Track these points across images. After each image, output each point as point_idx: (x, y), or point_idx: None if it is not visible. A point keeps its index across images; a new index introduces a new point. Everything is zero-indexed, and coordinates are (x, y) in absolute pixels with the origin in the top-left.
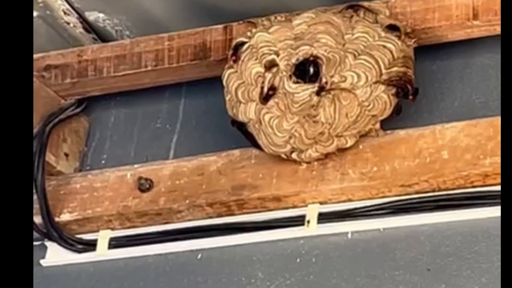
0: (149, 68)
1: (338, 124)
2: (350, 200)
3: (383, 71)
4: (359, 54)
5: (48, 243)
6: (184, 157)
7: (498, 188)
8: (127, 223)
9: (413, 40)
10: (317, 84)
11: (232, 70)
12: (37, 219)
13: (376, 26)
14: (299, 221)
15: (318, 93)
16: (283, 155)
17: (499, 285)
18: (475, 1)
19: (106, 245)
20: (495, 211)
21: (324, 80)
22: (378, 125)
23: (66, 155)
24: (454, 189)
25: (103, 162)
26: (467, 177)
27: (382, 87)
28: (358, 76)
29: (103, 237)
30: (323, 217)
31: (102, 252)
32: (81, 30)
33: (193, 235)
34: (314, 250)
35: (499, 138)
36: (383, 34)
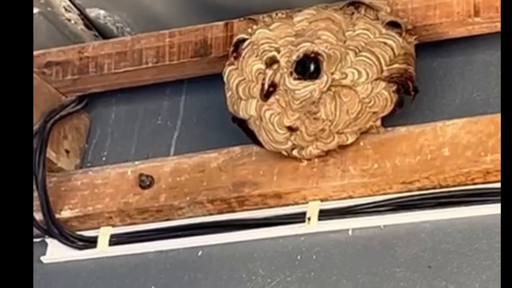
0: (150, 64)
1: (339, 121)
2: (351, 197)
3: (384, 68)
4: (360, 51)
5: (48, 240)
6: (185, 154)
7: (499, 185)
8: (128, 220)
9: (414, 37)
10: (318, 81)
11: (233, 66)
12: (38, 216)
13: (377, 23)
14: (299, 218)
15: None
16: (283, 152)
17: (500, 282)
18: None
19: (107, 242)
20: (496, 208)
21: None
22: (379, 122)
23: (67, 151)
24: (455, 186)
25: (103, 159)
26: (468, 174)
27: (383, 84)
28: (359, 73)
29: (103, 234)
30: (324, 214)
31: (103, 249)
32: (82, 26)
33: (194, 232)
34: (315, 247)
35: (500, 135)
36: (384, 31)
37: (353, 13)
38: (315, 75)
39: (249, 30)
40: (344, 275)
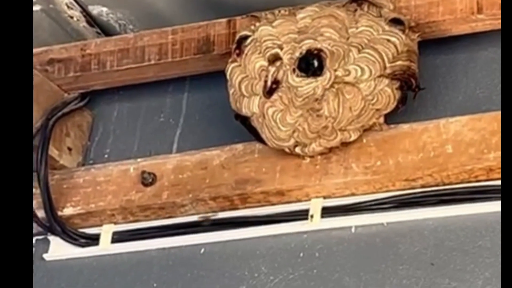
0: (153, 62)
1: (341, 118)
2: (353, 195)
3: (387, 65)
4: (363, 48)
5: (51, 237)
6: (188, 151)
7: None
8: (130, 217)
9: (417, 34)
10: (321, 78)
11: (235, 64)
12: (40, 213)
13: (380, 20)
14: (302, 215)
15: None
16: (286, 149)
17: None
18: None
19: (109, 239)
20: (499, 206)
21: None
22: (382, 119)
23: (69, 149)
24: (458, 183)
25: (106, 156)
26: (471, 171)
27: (386, 81)
28: (362, 70)
29: (106, 231)
30: (327, 212)
31: (105, 246)
32: (84, 24)
33: (196, 229)
34: (318, 244)
35: None
36: (387, 28)
37: (356, 10)
38: (318, 72)
39: (252, 27)
40: (347, 272)
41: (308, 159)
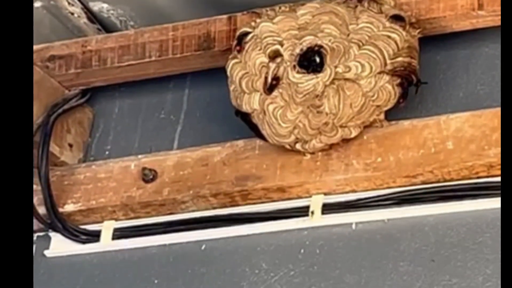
0: (153, 58)
1: (342, 115)
2: (354, 191)
3: (388, 61)
4: (363, 44)
5: (52, 234)
6: (188, 148)
7: None
8: (131, 214)
9: (417, 30)
10: (321, 74)
11: (236, 60)
12: (41, 210)
13: (381, 16)
14: (303, 212)
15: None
16: (287, 146)
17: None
18: None
19: (110, 235)
20: (499, 202)
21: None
22: (382, 116)
23: (70, 145)
24: (458, 179)
25: (107, 152)
26: (472, 167)
27: (387, 78)
28: (363, 66)
29: (107, 227)
30: (327, 208)
31: (106, 243)
32: (85, 20)
33: (197, 226)
34: (318, 241)
35: None
36: (387, 24)
37: (356, 7)
38: (319, 68)
39: (253, 24)
40: (348, 269)
41: (308, 156)
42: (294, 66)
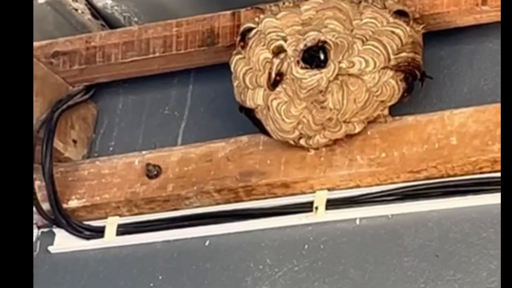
0: (157, 54)
1: (346, 110)
2: (358, 186)
3: (391, 56)
4: (367, 40)
5: (56, 230)
6: (192, 144)
7: None
8: (135, 210)
9: (421, 26)
10: (325, 70)
11: (240, 56)
12: (45, 206)
13: (384, 12)
14: (307, 207)
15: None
16: (291, 141)
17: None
18: None
19: (114, 231)
20: None
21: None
22: (386, 111)
23: (74, 141)
24: (462, 175)
25: (111, 148)
26: (476, 163)
27: (390, 73)
28: (366, 61)
29: (111, 223)
30: (331, 204)
31: (110, 239)
32: (89, 16)
33: (201, 222)
34: (322, 236)
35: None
36: (391, 19)
37: (360, 2)
38: (322, 64)
39: (256, 19)
40: (352, 264)
41: (312, 151)
42: (298, 62)
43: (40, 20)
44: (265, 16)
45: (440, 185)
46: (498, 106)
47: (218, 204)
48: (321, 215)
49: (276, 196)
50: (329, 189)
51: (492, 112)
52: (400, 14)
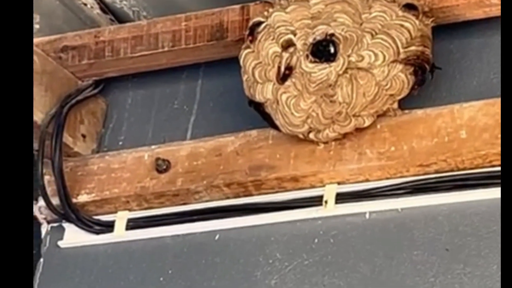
0: (166, 48)
1: (355, 104)
2: (367, 180)
3: (401, 50)
4: (376, 33)
5: (65, 225)
6: (202, 138)
7: None
8: (145, 204)
9: (430, 19)
10: (334, 64)
11: (249, 50)
12: (55, 201)
13: (394, 5)
14: (316, 201)
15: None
16: (300, 135)
17: None
18: None
19: (124, 226)
20: None
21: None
22: (396, 105)
23: (84, 136)
24: (472, 168)
25: (120, 143)
26: (485, 156)
27: (400, 67)
28: (376, 55)
29: (120, 218)
30: (341, 197)
31: (120, 233)
32: (98, 11)
33: (211, 216)
34: (332, 230)
35: None
36: (400, 13)
37: None
38: (332, 58)
39: (265, 13)
40: (361, 258)
41: (322, 145)
42: (307, 56)
43: (49, 14)
44: (274, 10)
45: (450, 179)
46: None
47: (227, 198)
48: (330, 209)
49: (285, 190)
50: (338, 183)
51: None
52: (409, 7)
